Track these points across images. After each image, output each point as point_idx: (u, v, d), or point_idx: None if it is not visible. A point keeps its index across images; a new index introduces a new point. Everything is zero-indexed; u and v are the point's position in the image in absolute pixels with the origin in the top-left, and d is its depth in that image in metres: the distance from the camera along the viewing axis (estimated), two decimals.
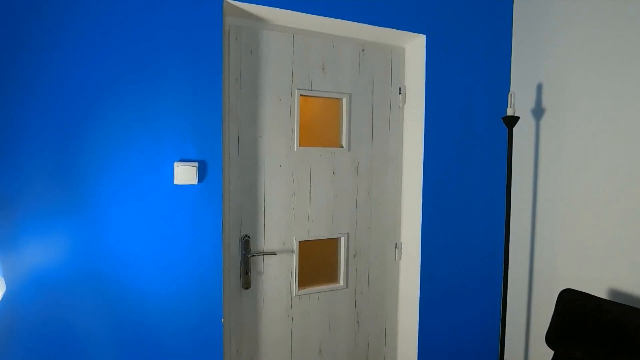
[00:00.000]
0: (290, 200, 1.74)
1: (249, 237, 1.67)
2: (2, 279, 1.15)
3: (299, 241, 1.78)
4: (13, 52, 1.23)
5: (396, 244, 2.01)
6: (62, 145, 1.31)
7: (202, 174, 1.49)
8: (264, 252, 1.70)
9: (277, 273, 1.74)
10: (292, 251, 1.76)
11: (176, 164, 1.44)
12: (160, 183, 1.44)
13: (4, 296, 1.22)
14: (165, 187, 1.44)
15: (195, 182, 1.46)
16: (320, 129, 1.90)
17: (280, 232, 1.74)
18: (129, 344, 1.42)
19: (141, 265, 1.42)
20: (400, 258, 2.01)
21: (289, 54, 1.70)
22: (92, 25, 1.32)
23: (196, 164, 1.46)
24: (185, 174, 1.44)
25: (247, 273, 1.67)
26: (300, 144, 1.76)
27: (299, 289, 1.79)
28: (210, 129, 1.50)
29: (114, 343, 1.40)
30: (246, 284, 1.67)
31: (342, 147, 1.86)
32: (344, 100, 1.84)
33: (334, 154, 1.82)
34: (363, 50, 1.86)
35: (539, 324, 1.95)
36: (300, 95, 1.75)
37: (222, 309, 1.54)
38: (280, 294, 1.75)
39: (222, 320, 1.54)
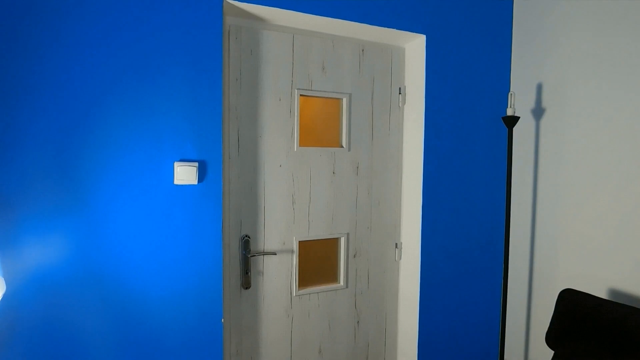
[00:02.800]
0: (290, 200, 1.74)
1: (249, 237, 1.67)
2: (2, 279, 1.15)
3: (299, 241, 1.78)
4: (13, 51, 1.23)
5: (396, 244, 2.01)
6: (62, 145, 1.30)
7: (202, 174, 1.49)
8: (263, 252, 1.70)
9: (277, 273, 1.74)
10: (292, 251, 1.76)
11: (176, 164, 1.44)
12: (160, 183, 1.43)
13: (4, 296, 1.21)
14: (165, 187, 1.44)
15: (195, 182, 1.46)
16: (320, 129, 1.90)
17: (280, 232, 1.74)
18: (129, 344, 1.42)
19: (141, 265, 1.42)
20: (400, 258, 2.01)
21: (288, 53, 1.71)
22: (92, 25, 1.32)
23: (196, 164, 1.46)
24: (185, 174, 1.44)
25: (247, 273, 1.67)
26: (300, 144, 1.76)
27: (299, 289, 1.79)
28: (210, 129, 1.49)
29: (114, 343, 1.40)
30: (246, 283, 1.67)
31: (342, 147, 1.86)
32: (344, 100, 1.84)
33: (334, 154, 1.82)
34: (363, 50, 1.86)
35: (539, 324, 1.95)
36: (300, 95, 1.75)
37: (222, 309, 1.54)
38: (280, 294, 1.75)
39: (222, 320, 1.54)
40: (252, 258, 1.68)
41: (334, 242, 1.88)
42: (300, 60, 1.73)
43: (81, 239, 1.34)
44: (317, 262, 1.89)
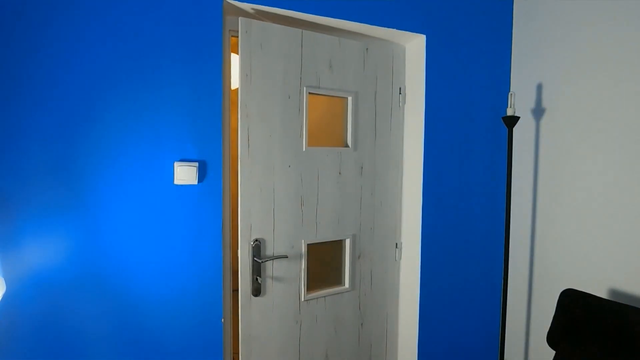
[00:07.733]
0: (299, 202, 1.68)
1: (258, 241, 1.59)
2: (2, 279, 1.14)
3: (308, 244, 1.72)
4: (11, 50, 1.20)
5: (396, 244, 1.99)
6: (62, 145, 1.29)
7: (202, 174, 1.47)
8: (273, 256, 1.62)
9: (286, 277, 1.67)
10: (301, 255, 1.70)
11: (176, 164, 1.43)
12: (160, 183, 1.43)
13: (4, 296, 1.22)
14: (165, 187, 1.43)
15: (195, 182, 1.45)
16: (326, 128, 1.86)
17: (289, 235, 1.66)
18: (129, 345, 1.40)
19: (140, 266, 1.41)
20: (400, 258, 2.00)
21: (297, 50, 1.63)
22: (92, 24, 1.31)
23: (196, 164, 1.45)
24: (185, 174, 1.43)
25: (256, 279, 1.58)
26: (309, 144, 1.71)
27: (307, 293, 1.72)
28: (211, 128, 1.49)
29: (114, 343, 1.38)
30: (255, 291, 1.59)
31: (347, 146, 1.81)
32: (350, 98, 1.80)
33: (340, 153, 1.78)
34: (367, 49, 1.83)
35: (539, 324, 1.95)
36: (309, 93, 1.69)
37: (222, 309, 1.53)
38: (290, 300, 1.68)
39: (222, 320, 1.52)
40: (261, 263, 1.59)
41: (339, 243, 1.84)
42: (309, 57, 1.67)
43: (81, 239, 1.33)
44: (323, 264, 1.84)
